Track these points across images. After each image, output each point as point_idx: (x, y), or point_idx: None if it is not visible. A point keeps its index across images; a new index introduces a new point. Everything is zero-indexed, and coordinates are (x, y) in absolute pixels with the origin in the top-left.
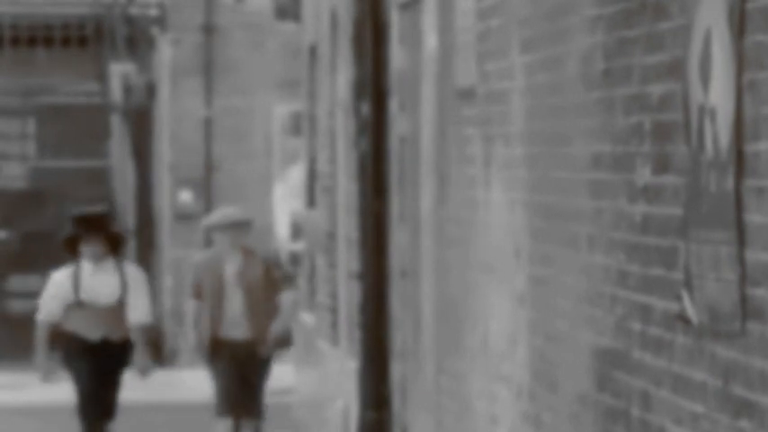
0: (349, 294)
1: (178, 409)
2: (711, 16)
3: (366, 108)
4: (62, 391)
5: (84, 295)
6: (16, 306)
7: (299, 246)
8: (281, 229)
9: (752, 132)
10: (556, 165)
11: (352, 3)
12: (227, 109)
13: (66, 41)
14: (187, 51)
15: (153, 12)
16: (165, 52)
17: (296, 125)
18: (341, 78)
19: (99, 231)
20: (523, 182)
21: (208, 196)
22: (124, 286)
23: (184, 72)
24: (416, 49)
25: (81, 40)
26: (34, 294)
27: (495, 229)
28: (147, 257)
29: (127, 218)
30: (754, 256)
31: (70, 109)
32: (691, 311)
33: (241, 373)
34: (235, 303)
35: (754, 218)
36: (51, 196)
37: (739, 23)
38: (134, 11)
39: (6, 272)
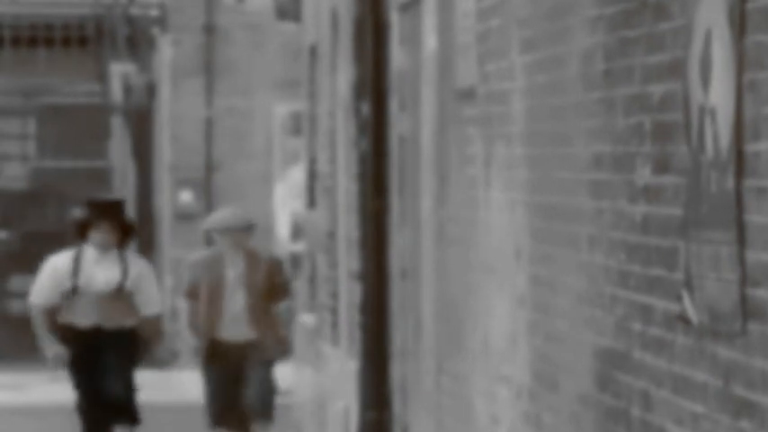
0: (349, 295)
1: (178, 409)
2: (711, 16)
3: (366, 108)
4: (62, 391)
5: (82, 281)
6: (16, 306)
7: (300, 246)
8: (282, 229)
9: (752, 132)
10: (556, 165)
11: (353, 3)
12: (227, 109)
13: (66, 41)
14: (187, 51)
15: (153, 12)
16: (166, 52)
17: (296, 125)
18: (341, 78)
19: (112, 219)
20: (524, 182)
21: (208, 196)
22: (124, 276)
23: (185, 72)
24: (416, 49)
25: (81, 40)
26: None
27: (496, 230)
28: (147, 257)
29: None
30: (754, 256)
31: (70, 109)
32: (691, 312)
33: (237, 377)
34: (235, 304)
35: (754, 218)
36: (51, 196)
37: (739, 23)
38: (135, 11)
39: (6, 272)
